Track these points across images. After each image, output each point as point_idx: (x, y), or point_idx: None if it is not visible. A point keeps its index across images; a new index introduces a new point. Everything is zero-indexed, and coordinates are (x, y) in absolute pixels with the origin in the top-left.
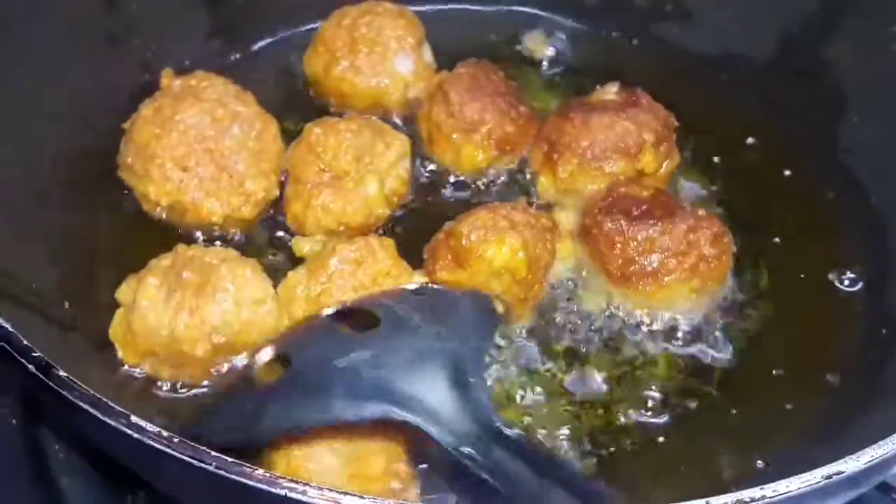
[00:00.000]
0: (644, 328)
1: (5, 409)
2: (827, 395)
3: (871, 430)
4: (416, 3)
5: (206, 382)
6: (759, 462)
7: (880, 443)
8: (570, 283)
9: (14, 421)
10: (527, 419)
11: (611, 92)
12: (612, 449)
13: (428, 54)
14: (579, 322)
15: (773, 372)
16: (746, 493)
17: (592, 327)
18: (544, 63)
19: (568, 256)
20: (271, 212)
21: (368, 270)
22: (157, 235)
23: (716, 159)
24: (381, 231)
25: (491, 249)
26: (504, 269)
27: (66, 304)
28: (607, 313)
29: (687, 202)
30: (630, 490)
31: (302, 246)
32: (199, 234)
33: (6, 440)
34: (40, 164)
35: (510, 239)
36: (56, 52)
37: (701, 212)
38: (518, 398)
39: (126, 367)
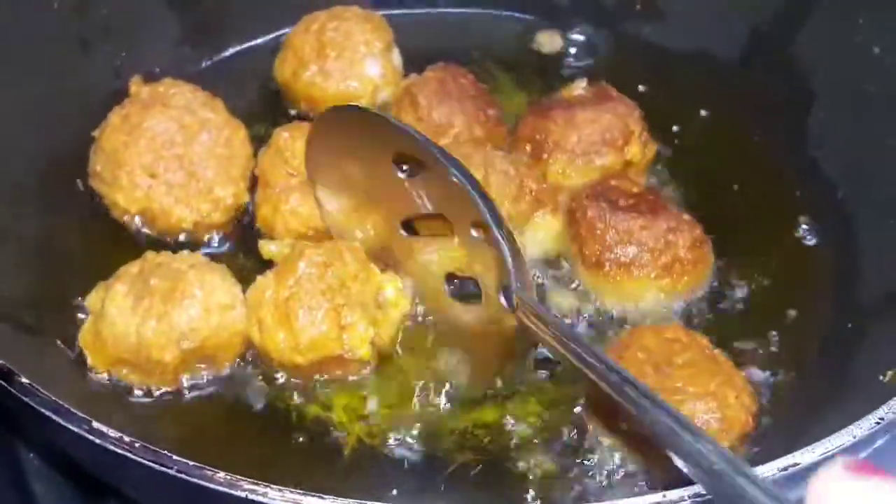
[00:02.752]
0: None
1: None
2: (790, 390)
3: (833, 424)
4: (384, 7)
5: (175, 388)
6: None
7: (836, 434)
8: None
9: None
10: None
11: (579, 87)
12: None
13: (396, 58)
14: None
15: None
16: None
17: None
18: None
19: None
20: (242, 217)
21: (336, 273)
22: (127, 242)
23: (683, 155)
24: None
25: None
26: None
27: (36, 311)
28: (576, 297)
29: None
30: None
31: (268, 249)
32: (169, 240)
33: None
34: (11, 170)
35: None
36: (27, 58)
37: (686, 216)
38: None
39: (96, 373)
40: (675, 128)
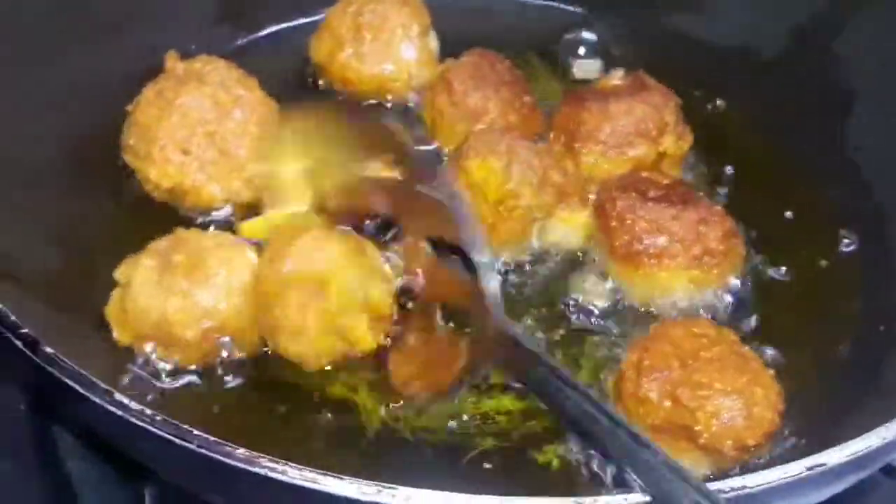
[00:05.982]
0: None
1: (14, 395)
2: (820, 393)
3: (862, 425)
4: None
5: (198, 366)
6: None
7: (864, 436)
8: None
9: (22, 406)
10: None
11: (616, 77)
12: None
13: (433, 42)
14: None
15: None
16: (727, 483)
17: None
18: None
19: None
20: None
21: (322, 274)
22: (158, 218)
23: (719, 150)
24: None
25: (472, 162)
26: (477, 185)
27: (66, 285)
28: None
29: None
30: None
31: (248, 228)
32: (200, 217)
33: (14, 425)
34: (44, 145)
35: (493, 159)
36: (62, 34)
37: (717, 208)
38: None
39: (122, 347)
40: (710, 121)
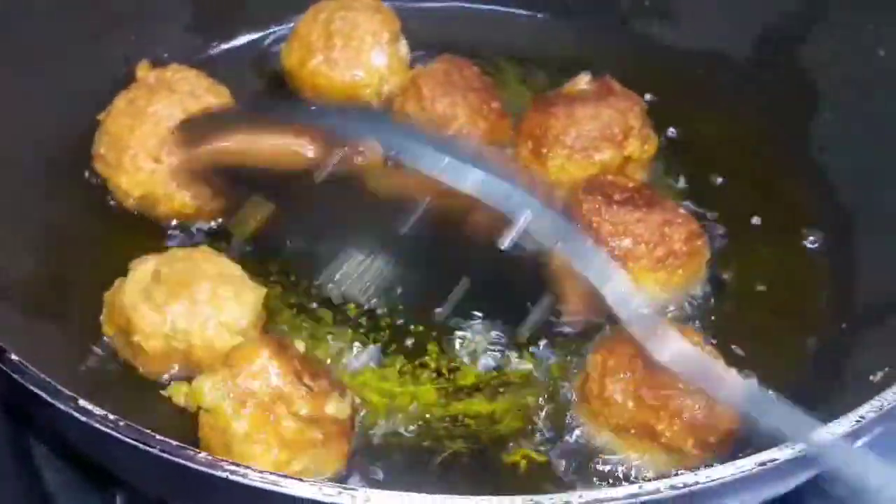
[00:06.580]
0: None
1: None
2: (784, 390)
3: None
4: None
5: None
6: None
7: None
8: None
9: None
10: None
11: (583, 82)
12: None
13: (403, 49)
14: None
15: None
16: (679, 479)
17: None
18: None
19: None
20: None
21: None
22: (132, 225)
23: (685, 153)
24: None
25: None
26: None
27: (40, 292)
28: None
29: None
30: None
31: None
32: (167, 224)
33: None
34: (20, 153)
35: None
36: (36, 43)
37: (682, 210)
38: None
39: (96, 354)
40: (678, 125)
